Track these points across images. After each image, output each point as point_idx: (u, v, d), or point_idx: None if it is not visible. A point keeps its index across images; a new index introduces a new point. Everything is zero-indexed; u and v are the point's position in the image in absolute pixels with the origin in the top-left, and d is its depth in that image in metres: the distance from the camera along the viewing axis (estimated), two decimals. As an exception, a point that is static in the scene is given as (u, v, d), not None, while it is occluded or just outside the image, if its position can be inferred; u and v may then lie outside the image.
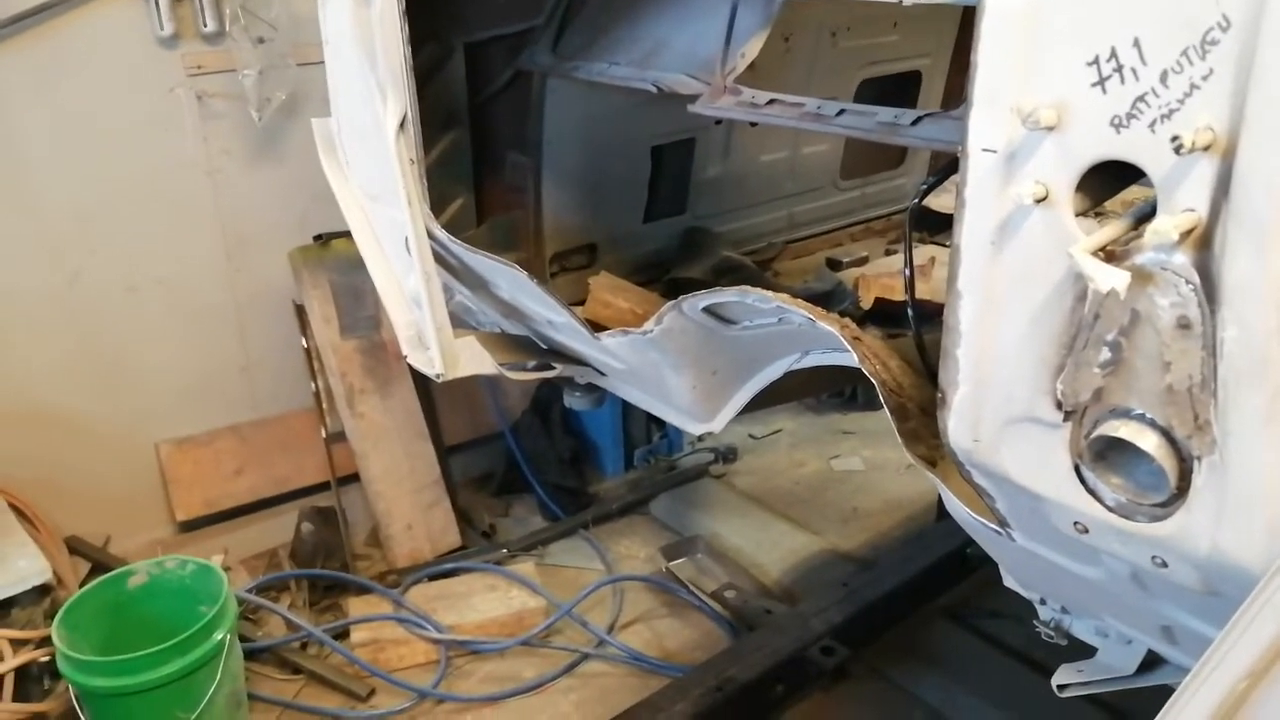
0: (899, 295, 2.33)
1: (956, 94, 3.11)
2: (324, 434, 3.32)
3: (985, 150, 0.92)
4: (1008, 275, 0.94)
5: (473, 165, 2.25)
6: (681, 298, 1.52)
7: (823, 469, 3.97)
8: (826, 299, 2.25)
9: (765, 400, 1.79)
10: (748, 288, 1.42)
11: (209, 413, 3.28)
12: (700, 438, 3.98)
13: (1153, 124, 0.80)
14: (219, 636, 2.35)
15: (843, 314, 2.24)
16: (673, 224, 2.72)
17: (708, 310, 1.53)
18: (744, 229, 2.88)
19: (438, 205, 2.17)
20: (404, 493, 3.36)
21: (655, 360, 1.71)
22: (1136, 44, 0.81)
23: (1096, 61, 0.83)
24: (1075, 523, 0.98)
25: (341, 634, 2.88)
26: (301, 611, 3.00)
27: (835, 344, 1.42)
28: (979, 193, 0.94)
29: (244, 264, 3.23)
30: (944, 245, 2.96)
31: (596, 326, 1.93)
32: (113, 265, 2.99)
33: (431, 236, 1.79)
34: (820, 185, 3.02)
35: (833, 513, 3.68)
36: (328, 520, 3.26)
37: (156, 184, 3.00)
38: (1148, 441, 0.87)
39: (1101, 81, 0.83)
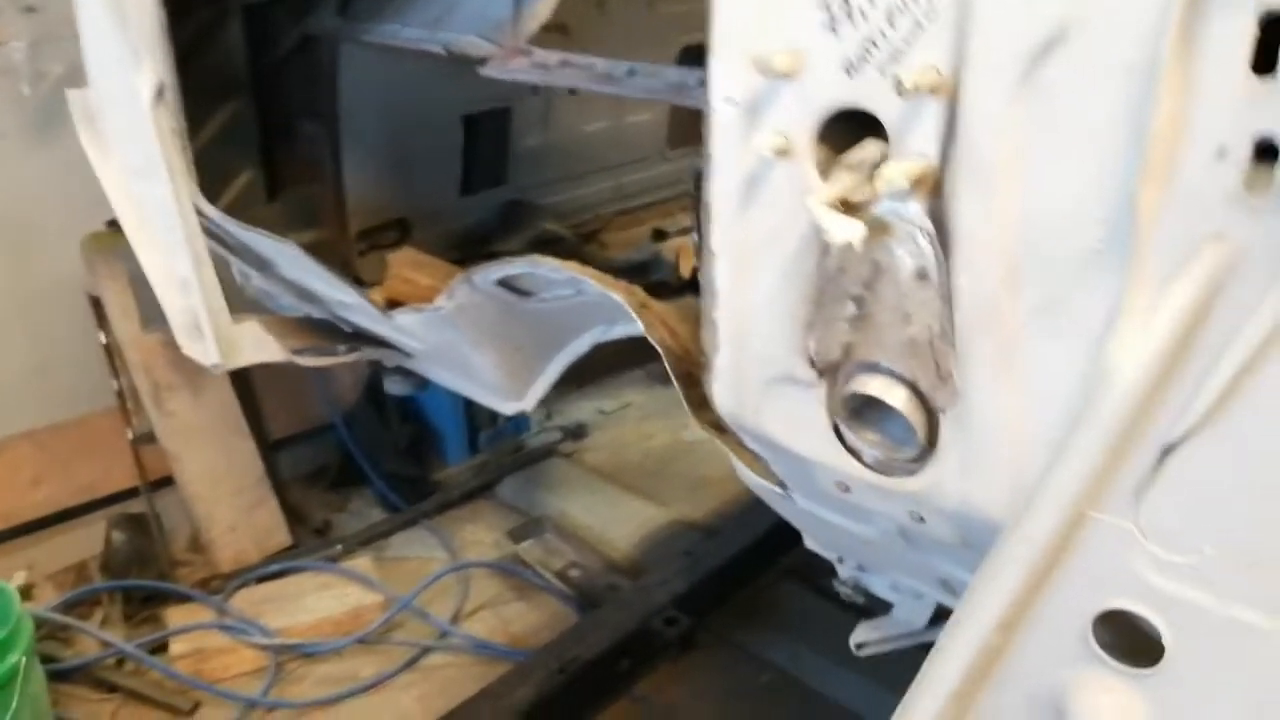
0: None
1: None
2: (130, 436, 3.08)
3: (726, 101, 0.88)
4: (757, 232, 0.91)
5: (261, 136, 2.09)
6: (471, 270, 1.44)
7: (672, 440, 3.96)
8: (643, 269, 2.21)
9: (598, 372, 1.73)
10: (538, 257, 1.36)
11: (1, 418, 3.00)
12: (549, 416, 3.91)
13: (882, 67, 0.77)
14: (11, 661, 2.15)
15: (660, 284, 2.21)
16: (492, 196, 2.62)
17: (502, 283, 1.45)
18: (569, 201, 2.81)
19: (221, 181, 2.01)
20: (224, 494, 3.16)
21: (454, 339, 1.62)
22: (864, -20, 0.77)
23: (827, 3, 0.79)
24: (838, 482, 0.96)
25: (160, 647, 2.69)
26: (116, 626, 2.79)
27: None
28: (723, 147, 0.90)
29: (29, 254, 2.94)
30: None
31: (394, 304, 1.83)
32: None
33: (201, 214, 1.65)
34: (647, 155, 2.98)
35: (681, 483, 3.67)
36: (141, 528, 3.04)
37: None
38: (896, 396, 0.84)
39: (833, 24, 0.79)
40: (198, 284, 1.58)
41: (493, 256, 2.46)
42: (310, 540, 3.27)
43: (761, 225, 0.89)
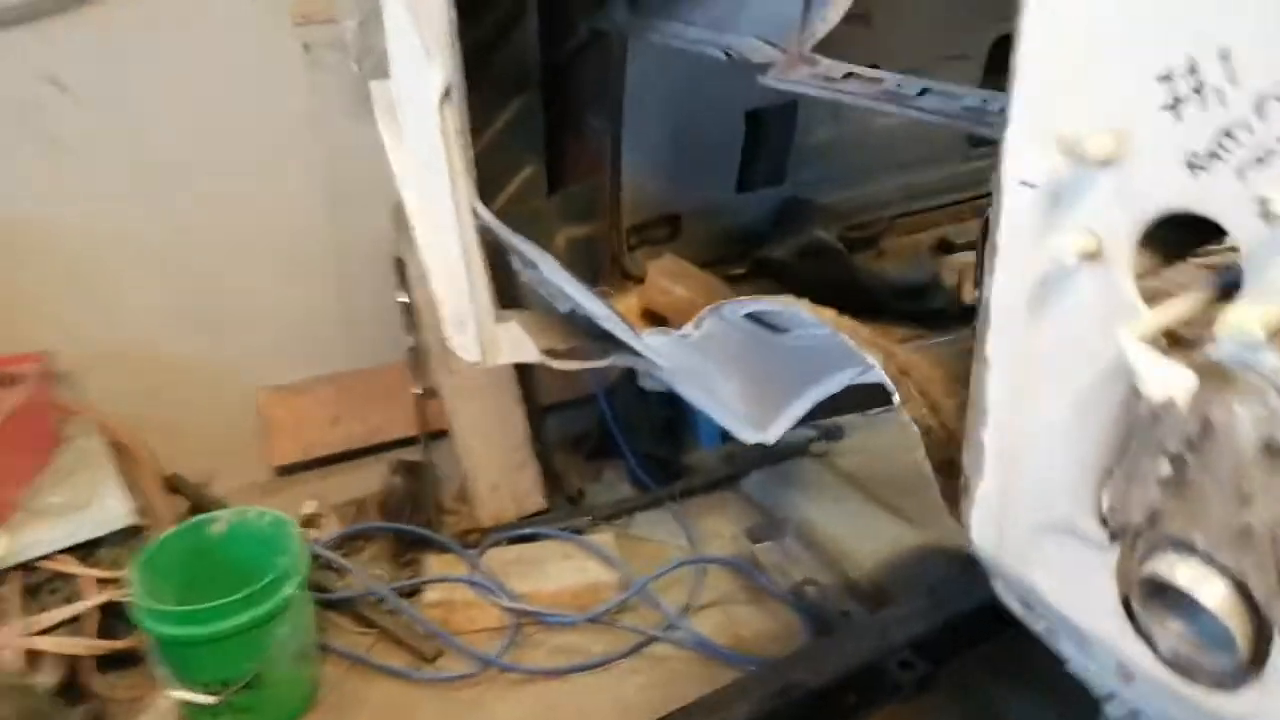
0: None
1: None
2: (418, 389, 3.32)
3: (1023, 184, 0.72)
4: (1046, 348, 0.74)
5: (547, 131, 2.12)
6: (721, 303, 1.36)
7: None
8: (920, 293, 2.03)
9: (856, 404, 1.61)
10: (793, 300, 1.25)
11: (308, 362, 3.34)
12: (806, 412, 3.79)
13: (1240, 170, 0.59)
14: (287, 592, 2.38)
15: (936, 312, 2.02)
16: (769, 194, 2.52)
17: (752, 317, 1.37)
18: (851, 200, 2.65)
19: (505, 175, 2.06)
20: (492, 452, 3.34)
21: (700, 364, 1.56)
22: (1225, 56, 0.59)
23: (1169, 77, 0.62)
24: (1119, 665, 0.78)
25: (416, 591, 2.89)
26: (383, 564, 3.03)
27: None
28: (1014, 238, 0.74)
29: (346, 216, 3.23)
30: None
31: (653, 317, 1.79)
32: (219, 214, 3.04)
33: (476, 214, 1.69)
34: (948, 152, 2.74)
35: (939, 503, 3.42)
36: (417, 475, 3.28)
37: (263, 134, 3.02)
38: (1213, 593, 0.66)
39: (1175, 104, 0.61)
40: (466, 281, 1.63)
41: (760, 262, 2.38)
42: (563, 507, 3.39)
43: (1053, 341, 0.73)
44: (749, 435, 1.66)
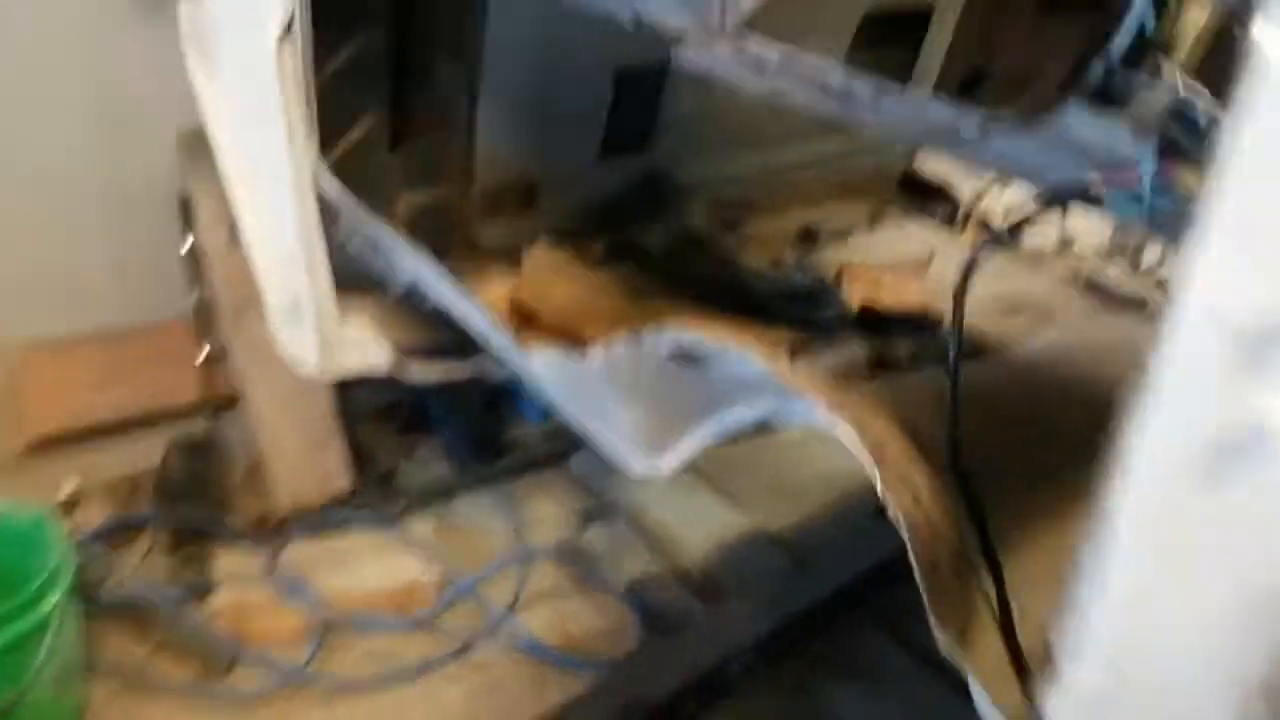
0: (889, 294, 1.99)
1: (967, 46, 2.72)
2: (203, 351, 2.88)
3: (1217, 317, 0.53)
4: (1218, 527, 0.58)
5: (391, 75, 1.80)
6: (640, 333, 1.15)
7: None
8: (809, 301, 1.89)
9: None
10: (730, 342, 1.06)
11: (72, 314, 2.83)
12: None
13: None
14: (48, 606, 1.98)
15: (828, 321, 1.90)
16: (630, 164, 2.31)
17: (675, 351, 1.16)
18: (713, 174, 2.48)
19: (342, 124, 1.73)
20: (292, 426, 2.95)
21: (597, 388, 1.34)
22: None
23: None
24: None
25: (203, 592, 2.52)
26: (161, 561, 2.62)
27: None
28: (1189, 383, 0.55)
29: (122, 144, 2.73)
30: (933, 219, 2.61)
31: (526, 318, 1.55)
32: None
33: (316, 180, 1.38)
34: (805, 130, 2.61)
35: (765, 484, 3.39)
36: (201, 453, 2.86)
37: (20, 44, 2.47)
38: None
39: None
40: (304, 263, 1.32)
41: (622, 246, 2.17)
42: (373, 489, 3.07)
43: (1229, 520, 0.57)
44: (638, 465, 1.46)
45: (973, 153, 1.07)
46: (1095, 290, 2.12)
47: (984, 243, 0.98)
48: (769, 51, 1.26)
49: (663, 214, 2.24)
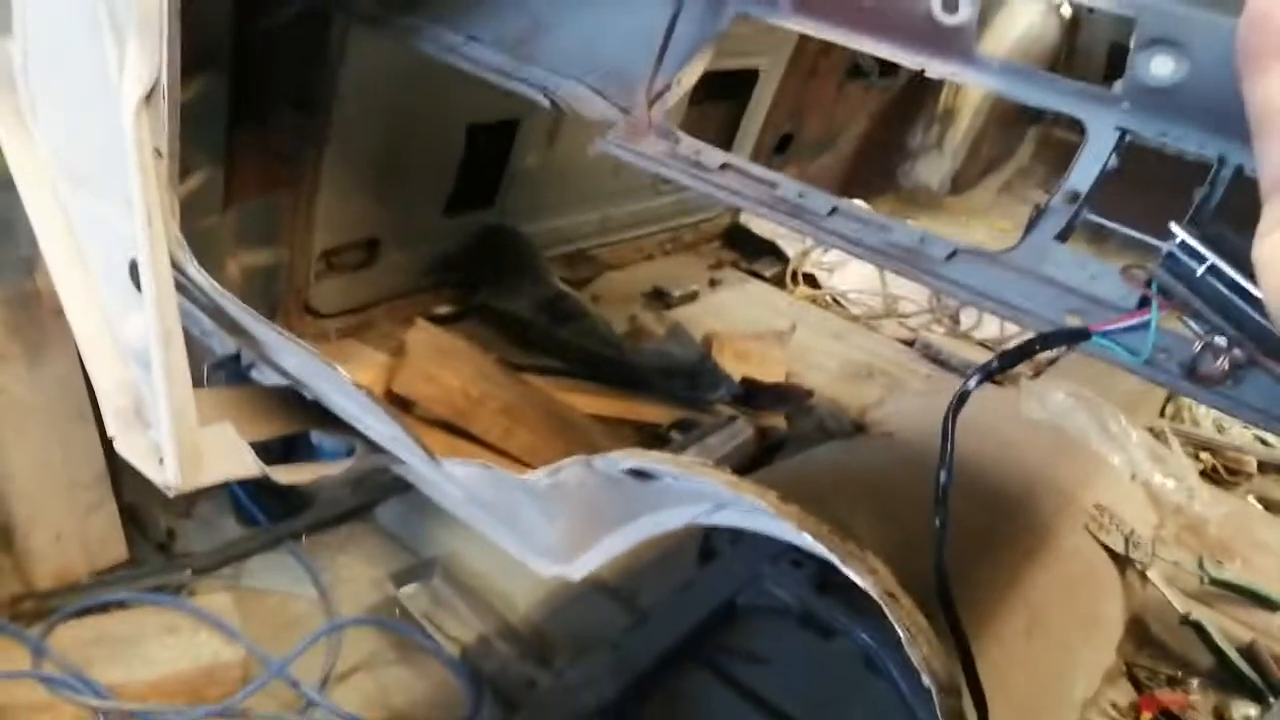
0: (756, 365, 1.99)
1: (783, 110, 2.81)
2: (-62, 412, 2.41)
3: None
4: None
5: (229, 125, 1.57)
6: (591, 458, 1.05)
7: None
8: (693, 378, 1.85)
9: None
10: (708, 471, 0.99)
11: None
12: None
13: None
14: None
15: (714, 399, 1.87)
16: (475, 219, 2.18)
17: (632, 471, 1.08)
18: (554, 230, 2.40)
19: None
20: (55, 491, 2.54)
21: (522, 500, 1.22)
22: None
23: None
24: None
25: (-50, 702, 2.10)
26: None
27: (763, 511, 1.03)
28: None
29: None
30: (762, 278, 2.66)
31: (404, 404, 1.41)
32: None
33: (179, 271, 1.16)
34: (641, 186, 2.61)
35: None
36: (-64, 532, 2.39)
37: None
38: None
39: None
40: (162, 365, 1.10)
41: (487, 309, 2.05)
42: (151, 555, 2.70)
43: None
44: (545, 568, 1.36)
45: (935, 278, 1.06)
46: (928, 354, 2.25)
47: (974, 374, 0.97)
48: (709, 153, 1.21)
49: (512, 270, 2.13)
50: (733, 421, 1.72)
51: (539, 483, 1.13)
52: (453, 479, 1.24)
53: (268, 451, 1.49)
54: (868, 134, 3.40)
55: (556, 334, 1.92)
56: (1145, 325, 0.90)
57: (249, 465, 1.29)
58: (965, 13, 1.03)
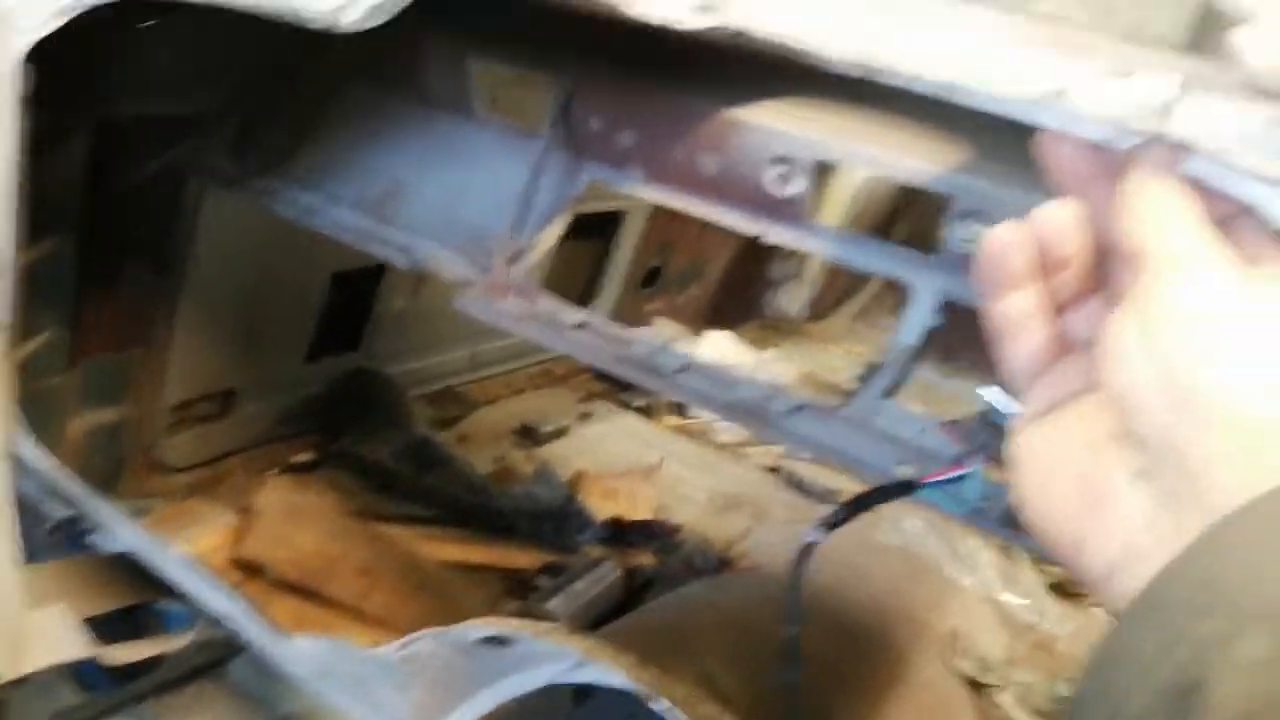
0: (624, 503, 2.01)
1: (650, 246, 2.92)
2: None
3: None
4: None
5: (77, 285, 1.53)
6: (443, 630, 1.04)
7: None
8: (560, 521, 1.85)
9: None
10: (562, 636, 0.99)
11: None
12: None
13: None
14: None
15: (580, 542, 1.86)
16: (339, 363, 2.15)
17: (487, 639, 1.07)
18: (421, 370, 2.39)
19: (14, 339, 1.43)
20: None
21: (373, 671, 1.19)
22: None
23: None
24: None
25: None
26: None
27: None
28: None
29: None
30: (632, 409, 2.70)
31: (251, 569, 1.36)
32: None
33: (11, 444, 1.11)
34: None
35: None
36: None
37: None
38: None
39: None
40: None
41: (348, 455, 2.01)
42: (-27, 737, 2.45)
43: None
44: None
45: (780, 433, 1.11)
46: (792, 482, 2.31)
47: (817, 527, 1.01)
48: (564, 311, 1.25)
49: (376, 414, 2.10)
50: (601, 564, 1.71)
51: (389, 656, 1.10)
52: (300, 653, 1.20)
53: (105, 625, 1.40)
54: (733, 265, 3.55)
55: (421, 481, 1.89)
56: (969, 476, 0.96)
57: (80, 646, 1.21)
58: (798, 185, 1.12)
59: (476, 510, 1.86)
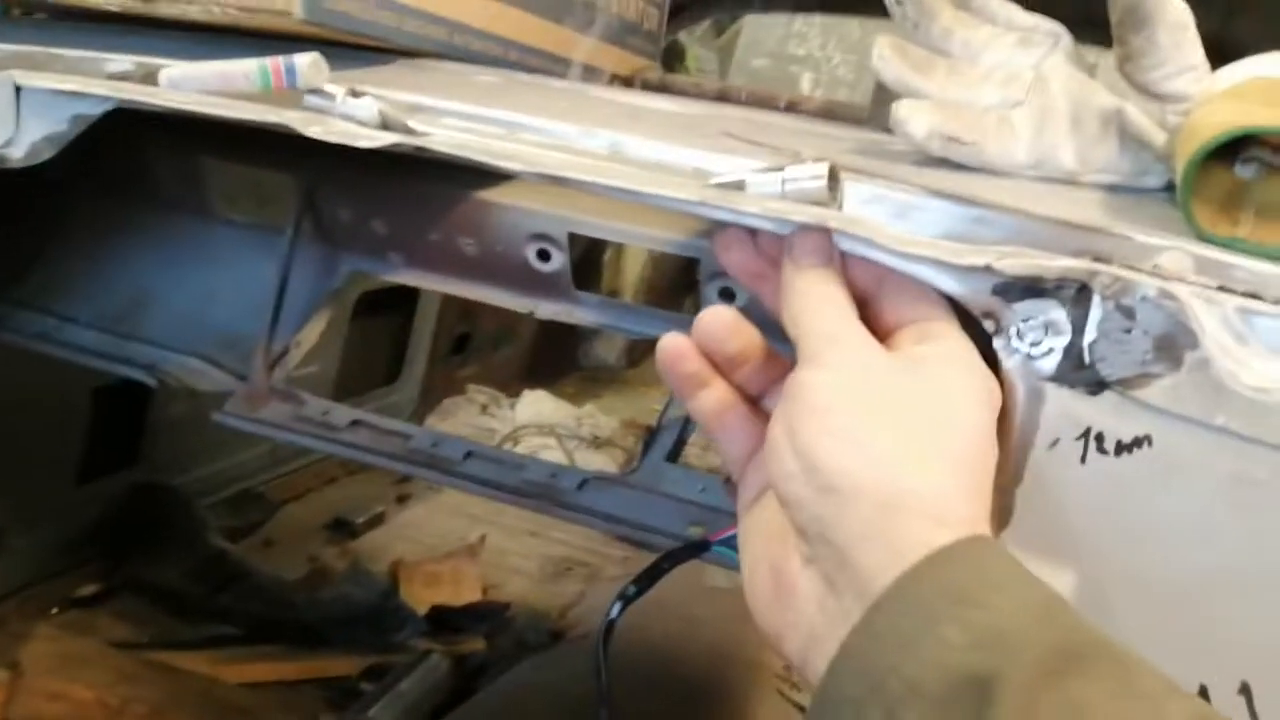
0: (449, 588, 1.93)
1: (454, 313, 2.86)
2: None
3: None
4: None
5: None
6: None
7: None
8: (377, 620, 1.75)
9: None
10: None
11: None
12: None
13: None
14: None
15: (404, 641, 1.76)
16: (118, 481, 1.98)
17: None
18: (214, 475, 2.23)
19: None
20: None
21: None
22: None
23: None
24: None
25: None
26: None
27: None
28: None
29: None
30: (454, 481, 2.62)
31: None
32: None
33: None
34: (306, 408, 2.50)
35: None
36: None
37: None
38: None
39: None
40: None
41: (134, 577, 1.84)
42: None
43: None
44: None
45: (571, 509, 1.09)
46: (622, 537, 2.29)
47: (619, 599, 0.99)
48: (334, 409, 1.18)
49: (164, 532, 1.95)
50: (427, 657, 1.63)
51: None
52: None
53: None
54: (543, 322, 3.52)
55: (217, 600, 1.76)
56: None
57: None
58: (558, 261, 1.11)
59: (284, 623, 1.74)
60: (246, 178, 1.26)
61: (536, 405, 2.93)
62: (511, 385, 3.24)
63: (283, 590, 1.78)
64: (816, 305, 0.53)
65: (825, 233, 0.53)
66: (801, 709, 1.62)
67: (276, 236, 1.25)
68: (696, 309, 1.03)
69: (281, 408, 1.20)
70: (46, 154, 0.80)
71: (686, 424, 1.10)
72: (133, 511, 1.95)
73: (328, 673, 1.65)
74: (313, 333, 1.28)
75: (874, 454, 0.48)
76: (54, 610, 1.83)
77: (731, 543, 0.99)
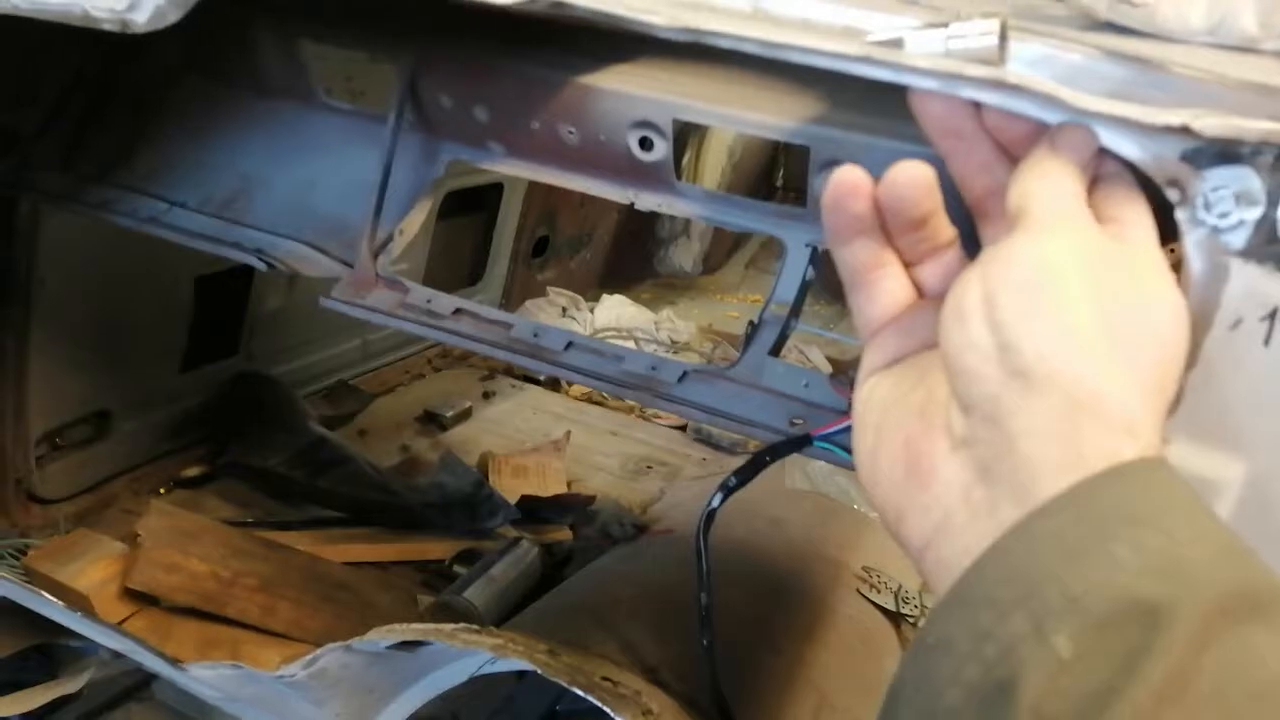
0: (535, 480, 1.98)
1: (535, 216, 2.87)
2: None
3: None
4: None
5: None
6: (350, 643, 1.00)
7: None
8: (471, 508, 1.80)
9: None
10: (471, 638, 0.96)
11: None
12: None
13: None
14: None
15: (495, 528, 1.82)
16: (220, 369, 2.06)
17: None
18: (310, 366, 2.31)
19: None
20: None
21: (285, 692, 1.14)
22: None
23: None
24: None
25: None
26: None
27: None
28: None
29: None
30: (535, 381, 2.66)
31: (147, 598, 1.30)
32: None
33: None
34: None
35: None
36: None
37: None
38: None
39: None
40: None
41: (239, 466, 1.92)
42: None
43: None
44: (329, 754, 1.26)
45: (670, 401, 1.09)
46: (700, 438, 2.31)
47: (717, 492, 1.00)
48: (441, 299, 1.20)
49: (265, 419, 2.02)
50: (517, 544, 1.68)
51: (296, 675, 1.06)
52: (203, 680, 1.15)
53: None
54: (620, 228, 3.51)
55: (318, 484, 1.82)
56: (854, 427, 0.96)
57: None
58: (660, 150, 1.09)
59: (382, 508, 1.80)
60: (348, 63, 1.26)
61: (615, 309, 2.94)
62: (589, 290, 3.25)
63: (380, 476, 1.84)
64: (1057, 183, 0.50)
65: (1091, 133, 0.50)
66: (880, 609, 1.64)
67: (376, 124, 1.25)
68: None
69: (387, 294, 1.22)
70: (172, 17, 0.79)
71: (789, 320, 1.08)
72: (235, 399, 2.02)
73: (423, 555, 1.71)
74: (414, 222, 1.29)
75: (1080, 346, 0.45)
76: (161, 490, 1.93)
77: (834, 439, 1.00)
